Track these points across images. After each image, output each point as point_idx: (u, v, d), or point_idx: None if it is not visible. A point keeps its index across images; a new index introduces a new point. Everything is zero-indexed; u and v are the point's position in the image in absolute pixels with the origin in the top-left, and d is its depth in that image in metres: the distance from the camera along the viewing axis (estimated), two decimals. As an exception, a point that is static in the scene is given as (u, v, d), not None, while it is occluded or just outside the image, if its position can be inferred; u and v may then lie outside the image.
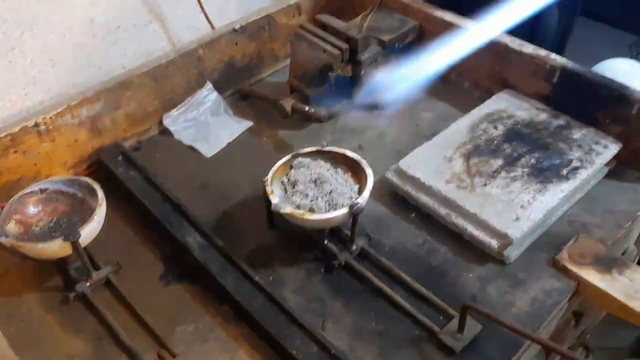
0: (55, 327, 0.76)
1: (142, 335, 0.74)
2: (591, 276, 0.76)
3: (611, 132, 0.91)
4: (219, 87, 1.09)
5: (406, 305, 0.75)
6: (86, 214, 0.82)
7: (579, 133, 0.92)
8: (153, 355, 0.71)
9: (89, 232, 0.77)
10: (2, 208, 0.80)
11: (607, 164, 0.90)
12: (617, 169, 0.91)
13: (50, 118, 0.90)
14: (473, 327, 0.71)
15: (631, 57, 1.60)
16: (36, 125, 0.89)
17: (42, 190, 0.84)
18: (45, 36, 0.98)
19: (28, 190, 0.83)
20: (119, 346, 0.73)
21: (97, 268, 0.80)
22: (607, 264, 0.77)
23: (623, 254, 0.94)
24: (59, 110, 0.91)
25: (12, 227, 0.80)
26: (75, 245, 0.74)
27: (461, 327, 0.70)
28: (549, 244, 0.82)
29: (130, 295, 0.78)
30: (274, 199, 0.79)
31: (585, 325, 0.92)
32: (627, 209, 0.86)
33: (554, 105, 0.97)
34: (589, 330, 0.96)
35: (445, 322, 0.73)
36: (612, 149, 0.89)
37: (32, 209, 0.83)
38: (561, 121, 0.94)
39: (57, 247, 0.75)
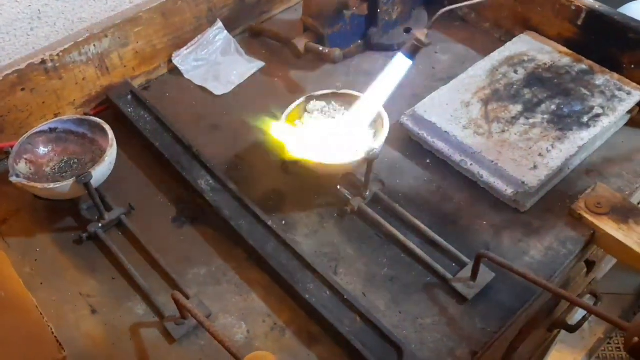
0: (69, 266, 0.77)
1: (155, 277, 0.75)
2: (607, 226, 0.75)
3: (636, 78, 0.88)
4: (229, 25, 1.05)
5: (419, 251, 0.75)
6: (97, 154, 0.81)
7: (602, 79, 0.89)
8: (166, 296, 0.71)
9: (100, 173, 0.77)
10: (12, 147, 0.80)
11: (629, 111, 0.87)
12: (640, 117, 0.89)
13: (57, 55, 0.88)
14: (485, 275, 0.72)
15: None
16: (43, 62, 0.87)
17: (51, 130, 0.83)
18: (49, -33, 0.94)
19: (38, 129, 0.82)
20: (133, 286, 0.74)
21: (109, 209, 0.80)
22: (624, 214, 0.76)
23: (639, 204, 0.93)
24: (65, 47, 0.89)
25: (23, 166, 0.80)
26: (87, 186, 0.74)
27: (474, 275, 0.70)
28: (566, 192, 0.81)
29: (143, 237, 0.78)
30: (289, 143, 0.77)
31: (596, 273, 0.92)
32: (647, 158, 0.84)
33: (577, 48, 0.94)
34: (599, 277, 0.96)
35: (458, 270, 0.73)
36: (636, 95, 0.86)
37: (42, 149, 0.82)
38: (584, 66, 0.91)
39: (69, 188, 0.74)
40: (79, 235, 0.78)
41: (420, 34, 0.71)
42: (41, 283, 0.75)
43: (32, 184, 0.75)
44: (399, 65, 0.75)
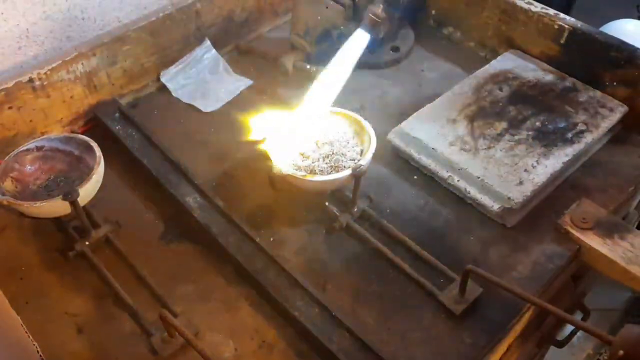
0: (56, 285, 0.76)
1: (143, 295, 0.74)
2: (593, 241, 0.76)
3: (617, 95, 0.90)
4: (217, 43, 1.06)
5: (407, 267, 0.75)
6: (84, 172, 0.81)
7: (585, 96, 0.90)
8: (154, 314, 0.70)
9: (87, 190, 0.76)
10: (-2, 165, 0.79)
11: (612, 128, 0.88)
12: (622, 133, 0.90)
13: (45, 73, 0.88)
14: (473, 290, 0.72)
15: (638, 18, 1.57)
16: (30, 80, 0.87)
17: (38, 148, 0.82)
18: (38, -13, 0.95)
19: (24, 147, 0.81)
20: (120, 305, 0.73)
21: (96, 227, 0.79)
22: (609, 228, 0.77)
23: (623, 218, 0.94)
24: (53, 65, 0.89)
25: (9, 184, 0.79)
26: (74, 204, 0.73)
27: (462, 290, 0.71)
28: (551, 207, 0.82)
29: (130, 255, 0.77)
30: (275, 160, 0.78)
31: (583, 288, 0.93)
32: (630, 174, 0.86)
33: (560, 66, 0.95)
34: (587, 292, 0.97)
35: (446, 285, 0.73)
36: (618, 112, 0.88)
37: (28, 167, 0.82)
38: (567, 83, 0.93)
39: (55, 206, 0.74)
40: (66, 253, 0.77)
41: (377, 8, 0.75)
42: (26, 302, 0.74)
43: (18, 202, 0.75)
44: (359, 40, 0.78)
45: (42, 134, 0.91)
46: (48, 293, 0.75)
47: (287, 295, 0.71)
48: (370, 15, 0.75)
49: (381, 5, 0.74)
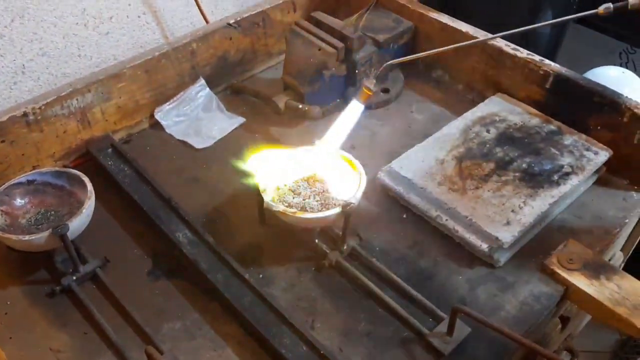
0: (40, 320, 0.75)
1: (129, 331, 0.73)
2: (579, 281, 0.76)
3: (602, 139, 0.92)
4: (211, 82, 1.08)
5: (395, 306, 0.75)
6: (74, 206, 0.81)
7: (570, 139, 0.93)
8: (139, 352, 0.70)
9: (77, 225, 0.76)
10: (-12, 198, 0.79)
11: (597, 171, 0.90)
12: (607, 176, 0.92)
13: (40, 108, 0.89)
14: (462, 329, 0.72)
15: (621, 64, 1.62)
16: (25, 115, 0.88)
17: (29, 182, 0.83)
18: (36, 24, 0.97)
19: (15, 181, 0.82)
20: (105, 342, 0.72)
21: (84, 262, 0.79)
22: (596, 269, 0.77)
23: (610, 260, 0.95)
24: (48, 101, 0.90)
25: (-2, 218, 0.79)
26: (63, 238, 0.73)
27: (450, 329, 0.70)
28: (539, 248, 0.82)
29: (118, 290, 0.77)
30: (266, 197, 0.78)
31: (571, 330, 0.93)
32: (616, 216, 0.87)
33: (546, 110, 0.98)
34: (575, 334, 0.97)
35: (434, 324, 0.73)
36: (603, 155, 0.90)
37: (19, 201, 0.82)
38: (553, 126, 0.95)
39: (44, 240, 0.74)
40: (52, 288, 0.77)
41: (369, 82, 0.83)
42: (10, 337, 0.73)
43: (7, 235, 0.74)
44: (353, 110, 0.86)
45: (34, 167, 0.91)
46: (33, 328, 0.74)
47: (275, 332, 0.70)
48: (364, 88, 0.83)
49: (374, 80, 0.83)
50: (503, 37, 0.98)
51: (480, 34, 1.03)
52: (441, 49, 0.85)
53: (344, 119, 0.86)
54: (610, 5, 0.71)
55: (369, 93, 0.84)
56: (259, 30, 1.12)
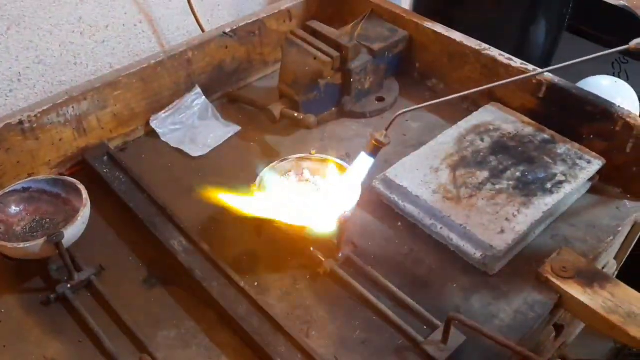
0: (35, 328, 0.75)
1: (124, 340, 0.73)
2: (573, 290, 0.77)
3: (595, 147, 0.93)
4: (207, 91, 1.08)
5: (390, 314, 0.75)
6: (70, 214, 0.81)
7: (563, 148, 0.93)
8: (134, 360, 0.70)
9: (72, 233, 0.76)
10: (-17, 206, 0.79)
11: (590, 179, 0.91)
12: (600, 185, 0.93)
13: (35, 116, 0.89)
14: (456, 337, 0.72)
15: (614, 74, 1.63)
16: (20, 122, 0.88)
17: (24, 189, 0.83)
18: (32, 32, 0.97)
19: (10, 188, 0.82)
20: (100, 350, 0.72)
21: (79, 270, 0.79)
22: (589, 278, 0.78)
23: (603, 268, 0.95)
24: (44, 108, 0.90)
25: (-7, 226, 0.79)
26: (58, 246, 0.73)
27: (445, 337, 0.71)
28: (532, 256, 0.83)
29: (113, 298, 0.77)
30: (261, 205, 0.79)
31: (565, 338, 0.93)
32: (609, 224, 0.87)
33: (539, 119, 0.98)
34: (569, 342, 0.97)
35: (429, 332, 0.73)
36: (596, 164, 0.90)
37: (14, 208, 0.82)
38: (546, 135, 0.96)
39: (39, 248, 0.74)
40: (47, 296, 0.76)
41: (379, 134, 0.78)
42: (4, 346, 0.73)
43: (2, 243, 0.74)
44: (362, 163, 0.81)
45: (29, 175, 0.91)
46: (27, 337, 0.74)
47: (270, 341, 0.70)
48: (373, 141, 0.79)
49: (384, 132, 0.78)
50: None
51: (474, 43, 1.04)
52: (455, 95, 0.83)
53: (353, 172, 0.81)
54: None
55: (379, 147, 0.79)
56: (254, 39, 1.13)
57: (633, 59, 1.46)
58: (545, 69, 0.81)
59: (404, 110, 0.79)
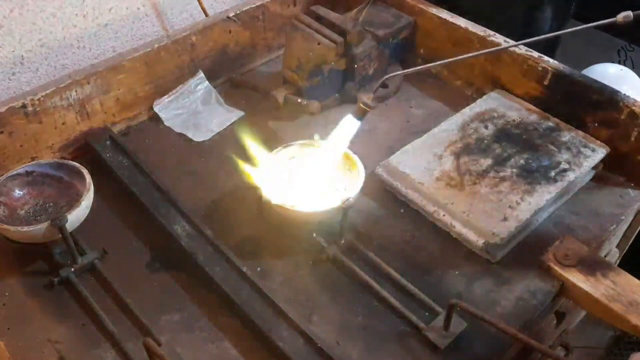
0: (38, 312, 0.75)
1: (127, 323, 0.74)
2: (575, 277, 0.77)
3: (599, 135, 0.93)
4: (210, 75, 1.08)
5: (392, 300, 0.75)
6: (73, 198, 0.81)
7: (567, 135, 0.93)
8: (137, 343, 0.70)
9: (75, 216, 0.76)
10: (-13, 189, 0.79)
11: (594, 167, 0.91)
12: (604, 173, 0.92)
13: (39, 99, 0.89)
14: (458, 324, 0.72)
15: (619, 62, 1.62)
16: (23, 106, 0.88)
17: (28, 173, 0.83)
18: (35, 15, 0.97)
19: (14, 172, 0.82)
20: (103, 333, 0.72)
21: (82, 253, 0.79)
22: (591, 266, 0.78)
23: (605, 256, 0.96)
24: (47, 92, 0.89)
25: (-4, 209, 0.79)
26: (62, 229, 0.73)
27: (447, 324, 0.71)
28: (535, 244, 0.83)
29: (116, 282, 0.77)
30: (265, 190, 0.79)
31: (566, 325, 0.94)
32: (612, 213, 0.87)
33: (544, 106, 0.98)
34: (570, 329, 0.97)
35: (431, 319, 0.73)
36: (600, 152, 0.90)
37: (17, 192, 0.82)
38: (551, 123, 0.95)
39: (43, 231, 0.74)
40: (50, 279, 0.77)
41: (367, 97, 0.77)
42: (8, 328, 0.73)
43: (5, 226, 0.75)
44: (348, 127, 0.80)
45: (32, 159, 0.91)
46: (30, 320, 0.74)
47: (272, 325, 0.71)
48: (361, 104, 0.77)
49: (372, 95, 0.76)
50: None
51: (479, 30, 1.03)
52: (451, 59, 0.82)
53: (338, 136, 0.81)
54: (630, 13, 0.68)
55: (367, 109, 0.78)
56: (258, 24, 1.12)
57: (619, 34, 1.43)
58: (519, 42, 0.80)
59: (392, 74, 0.80)
